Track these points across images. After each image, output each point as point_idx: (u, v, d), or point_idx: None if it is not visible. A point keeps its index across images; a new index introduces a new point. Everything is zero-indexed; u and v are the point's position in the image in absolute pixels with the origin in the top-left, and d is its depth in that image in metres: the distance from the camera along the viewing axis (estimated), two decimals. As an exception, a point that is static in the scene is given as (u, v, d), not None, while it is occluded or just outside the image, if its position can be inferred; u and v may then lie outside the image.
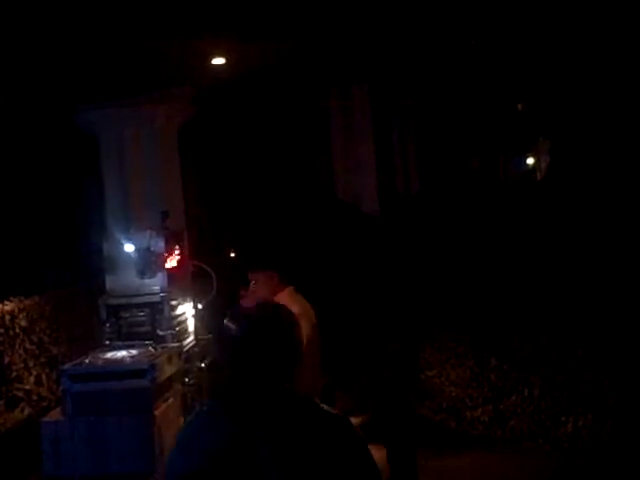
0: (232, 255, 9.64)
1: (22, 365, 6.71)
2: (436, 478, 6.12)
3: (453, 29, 8.21)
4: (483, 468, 6.43)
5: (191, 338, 5.11)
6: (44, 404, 6.61)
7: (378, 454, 6.43)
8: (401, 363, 5.90)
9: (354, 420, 6.78)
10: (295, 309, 4.97)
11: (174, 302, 4.90)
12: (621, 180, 10.48)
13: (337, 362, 6.08)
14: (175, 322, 4.86)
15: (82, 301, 7.39)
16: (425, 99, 15.28)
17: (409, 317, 6.11)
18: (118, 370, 4.33)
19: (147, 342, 4.70)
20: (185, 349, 4.91)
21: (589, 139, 11.57)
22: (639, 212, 9.22)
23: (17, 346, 6.70)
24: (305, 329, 5.02)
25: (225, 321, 2.43)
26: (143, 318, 4.82)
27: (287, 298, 5.04)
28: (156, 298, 4.81)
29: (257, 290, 5.12)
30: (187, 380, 4.84)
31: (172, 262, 4.96)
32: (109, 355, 4.57)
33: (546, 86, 13.09)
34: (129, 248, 4.84)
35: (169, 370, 4.51)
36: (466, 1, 7.35)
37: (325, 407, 2.43)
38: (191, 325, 5.16)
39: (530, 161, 25.66)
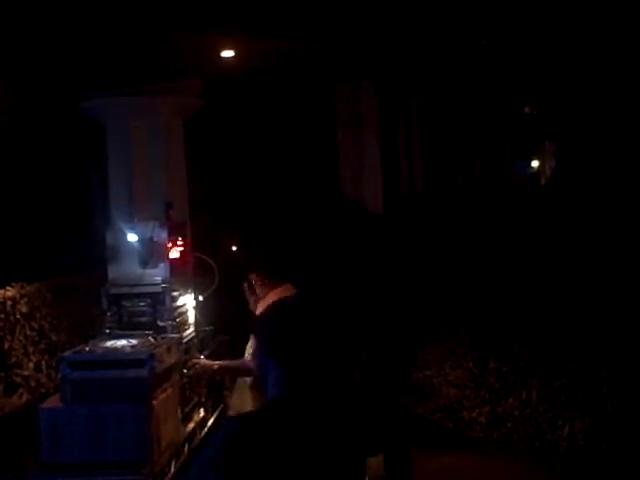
0: (233, 249, 9.65)
1: (22, 351, 6.73)
2: (431, 478, 6.13)
3: (464, 29, 8.20)
4: (478, 469, 6.44)
5: (191, 329, 5.12)
6: (42, 390, 6.62)
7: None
8: (398, 360, 5.91)
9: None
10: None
11: (175, 293, 4.91)
12: (625, 185, 10.47)
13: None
14: (176, 313, 4.87)
15: (84, 289, 7.40)
16: (432, 99, 15.28)
17: (407, 316, 6.11)
18: (117, 359, 4.33)
19: (147, 332, 4.70)
20: (185, 340, 4.92)
21: (595, 143, 11.56)
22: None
23: (17, 332, 6.71)
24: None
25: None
26: (144, 308, 4.82)
27: (270, 300, 5.08)
28: (157, 288, 4.81)
29: (249, 289, 5.18)
30: (186, 371, 4.86)
31: (174, 253, 4.96)
32: (109, 344, 4.57)
33: (554, 89, 13.07)
34: (132, 238, 4.85)
35: (168, 360, 4.52)
36: (477, 2, 7.34)
37: None
38: (191, 317, 5.17)
39: (535, 164, 25.66)
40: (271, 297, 5.12)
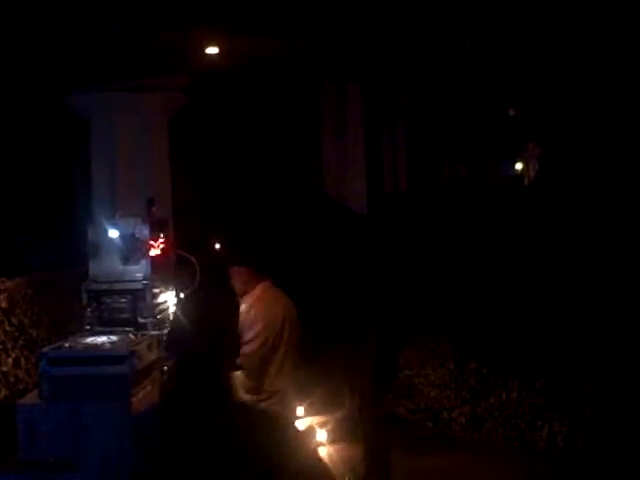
0: (217, 246, 9.62)
1: (0, 347, 6.68)
2: (410, 477, 6.14)
3: (448, 31, 8.22)
4: (457, 469, 6.47)
5: (172, 327, 5.10)
6: (21, 387, 6.58)
7: (352, 451, 6.47)
8: (380, 360, 5.92)
9: (331, 416, 6.78)
10: (264, 306, 5.06)
11: (156, 290, 4.87)
12: (608, 186, 10.54)
13: (318, 356, 6.08)
14: (156, 310, 4.83)
15: (64, 285, 7.36)
16: (417, 100, 15.31)
17: (391, 315, 6.12)
18: (97, 355, 4.30)
19: (128, 329, 4.68)
20: (165, 337, 4.90)
21: (579, 145, 11.62)
22: (622, 220, 9.28)
23: (-4, 327, 6.67)
24: (275, 324, 5.08)
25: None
26: (125, 305, 4.78)
27: (258, 293, 5.13)
28: (139, 285, 4.77)
29: (233, 283, 5.21)
30: (166, 368, 4.83)
31: (156, 250, 4.94)
32: (89, 340, 4.54)
33: (538, 92, 13.13)
34: (113, 234, 4.81)
35: (148, 357, 4.49)
36: (462, 4, 7.36)
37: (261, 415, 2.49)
38: (172, 314, 5.15)
39: (519, 166, 25.78)
40: (255, 294, 5.17)
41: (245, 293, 5.19)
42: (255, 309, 5.09)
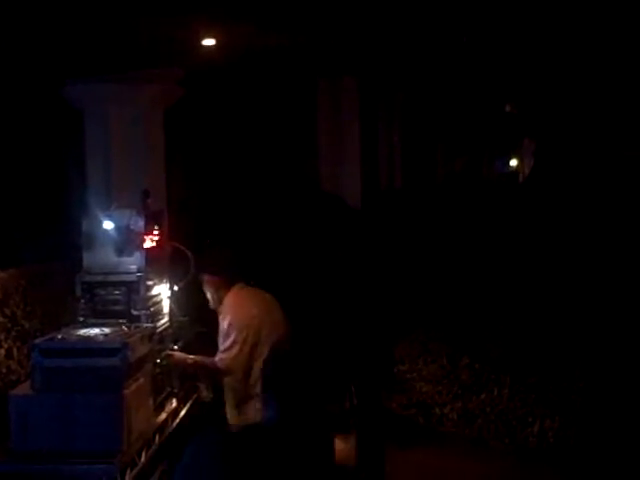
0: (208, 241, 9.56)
1: (-7, 338, 6.66)
2: (401, 473, 6.16)
3: (445, 26, 8.22)
4: (447, 465, 6.48)
5: (165, 319, 5.10)
6: (13, 378, 6.57)
7: (344, 444, 6.48)
8: (376, 355, 5.94)
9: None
10: (234, 312, 5.09)
11: (150, 282, 4.87)
12: (603, 183, 10.58)
13: (312, 351, 6.07)
14: (150, 302, 4.84)
15: (58, 277, 7.33)
16: (413, 96, 15.31)
17: (386, 311, 6.14)
18: (90, 347, 4.30)
19: (121, 321, 4.68)
20: (159, 330, 4.90)
21: (574, 141, 11.64)
22: (616, 216, 9.31)
23: (-11, 318, 6.65)
24: (250, 324, 5.08)
25: None
26: (118, 297, 4.78)
27: (230, 302, 5.14)
28: (132, 277, 4.77)
29: (205, 290, 5.24)
30: (159, 361, 4.84)
31: (150, 242, 4.93)
32: (82, 332, 4.53)
33: (534, 88, 13.15)
34: (108, 225, 4.81)
35: (141, 350, 4.49)
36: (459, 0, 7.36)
37: None
38: (166, 306, 5.15)
39: (514, 163, 25.81)
40: (227, 303, 5.16)
41: (218, 303, 5.21)
42: (230, 317, 5.11)
